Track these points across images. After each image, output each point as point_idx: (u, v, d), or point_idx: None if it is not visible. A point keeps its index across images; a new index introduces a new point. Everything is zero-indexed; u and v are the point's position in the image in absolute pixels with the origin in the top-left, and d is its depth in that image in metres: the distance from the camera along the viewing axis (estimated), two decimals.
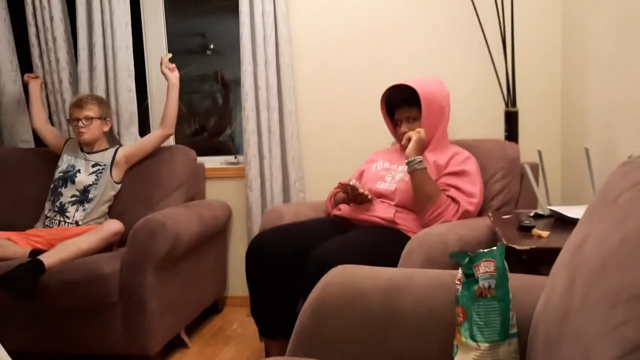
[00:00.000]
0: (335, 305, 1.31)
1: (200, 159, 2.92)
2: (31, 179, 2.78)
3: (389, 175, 2.19)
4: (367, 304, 1.28)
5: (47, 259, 2.15)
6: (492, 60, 2.40)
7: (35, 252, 2.27)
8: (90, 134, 2.60)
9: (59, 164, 2.66)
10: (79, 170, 2.60)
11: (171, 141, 3.09)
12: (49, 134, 2.78)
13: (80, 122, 2.57)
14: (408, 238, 1.89)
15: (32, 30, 2.87)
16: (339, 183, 2.32)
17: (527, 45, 2.55)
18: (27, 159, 2.85)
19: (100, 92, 2.84)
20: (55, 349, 2.25)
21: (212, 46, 3.26)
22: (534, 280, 1.20)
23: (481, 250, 1.06)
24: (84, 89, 2.85)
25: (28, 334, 2.23)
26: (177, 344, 2.44)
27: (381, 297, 1.28)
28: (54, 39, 2.85)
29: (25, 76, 2.84)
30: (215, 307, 2.87)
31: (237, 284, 2.97)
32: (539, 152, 1.80)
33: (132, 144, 2.77)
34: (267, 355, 2.11)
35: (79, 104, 2.59)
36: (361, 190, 2.07)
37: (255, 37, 2.71)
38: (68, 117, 2.65)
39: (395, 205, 2.09)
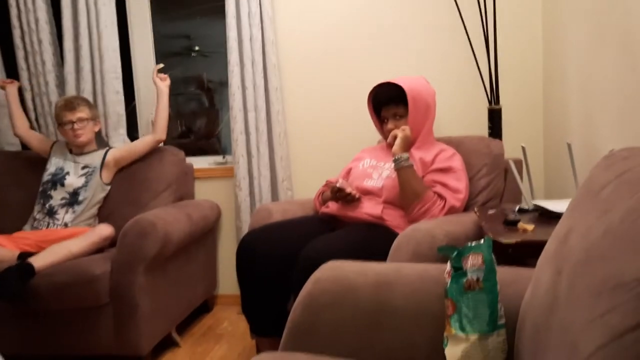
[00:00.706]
0: (326, 301, 1.33)
1: (188, 160, 2.92)
2: (18, 181, 2.77)
3: (376, 173, 2.22)
4: (358, 298, 1.31)
5: (38, 261, 2.15)
6: (475, 58, 2.45)
7: (24, 255, 2.25)
8: (86, 136, 2.60)
9: (47, 167, 2.64)
10: (68, 173, 2.59)
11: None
12: (33, 139, 2.76)
13: (74, 124, 2.56)
14: (396, 234, 1.92)
15: (16, 33, 2.86)
16: (327, 181, 2.35)
17: (509, 44, 2.60)
18: (14, 162, 2.84)
19: (88, 94, 2.83)
20: (45, 352, 2.24)
21: (197, 48, 3.26)
22: (521, 272, 1.23)
23: (469, 244, 1.09)
24: (70, 91, 2.84)
25: (18, 336, 2.23)
26: (168, 343, 2.45)
27: (371, 292, 1.30)
28: (40, 42, 2.83)
29: (0, 81, 2.79)
30: (205, 306, 2.88)
31: (227, 282, 2.99)
32: (523, 148, 1.84)
33: (122, 146, 2.76)
34: (258, 352, 2.13)
35: (70, 107, 2.57)
36: (349, 190, 2.10)
37: (241, 38, 2.72)
38: (57, 120, 2.61)
39: (383, 202, 2.12)
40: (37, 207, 2.59)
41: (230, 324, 2.72)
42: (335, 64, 2.80)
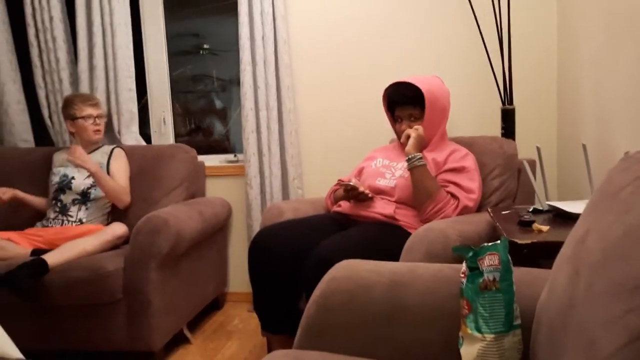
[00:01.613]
0: (340, 299, 1.34)
1: (200, 157, 2.94)
2: (31, 178, 2.79)
3: (389, 172, 2.22)
4: (372, 297, 1.31)
5: (52, 258, 2.17)
6: (488, 58, 2.44)
7: (37, 252, 2.28)
8: (102, 133, 2.65)
9: (52, 178, 2.65)
10: (73, 177, 2.60)
11: (171, 140, 3.11)
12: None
13: (96, 119, 2.59)
14: (408, 234, 1.92)
15: (31, 31, 2.89)
16: (339, 180, 2.35)
17: (523, 43, 2.58)
18: (27, 159, 2.86)
19: (101, 91, 2.86)
20: (59, 347, 2.26)
21: (206, 46, 3.28)
22: (536, 273, 1.23)
23: (485, 244, 1.09)
24: (84, 88, 2.87)
25: (31, 331, 2.25)
26: (179, 340, 2.47)
27: (386, 291, 1.31)
28: (54, 39, 2.86)
29: None
30: (216, 304, 2.89)
31: (238, 280, 3.00)
32: (538, 149, 1.83)
33: (120, 165, 2.65)
34: (269, 350, 2.14)
35: (93, 102, 2.61)
36: (361, 189, 2.10)
37: (254, 37, 2.73)
38: (76, 114, 2.58)
39: (395, 202, 2.12)
40: (50, 209, 2.60)
41: (241, 321, 2.74)
42: (348, 63, 2.80)
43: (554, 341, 0.88)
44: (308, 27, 2.82)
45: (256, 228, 2.80)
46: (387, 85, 2.27)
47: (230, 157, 3.07)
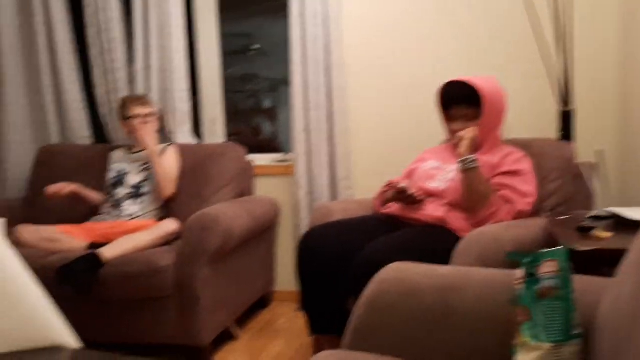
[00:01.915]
0: (390, 302, 1.32)
1: (249, 157, 2.96)
2: (88, 173, 2.87)
3: (440, 174, 2.18)
4: (422, 301, 1.29)
5: (107, 252, 2.23)
6: (544, 58, 2.36)
7: (93, 246, 2.34)
8: (151, 129, 2.66)
9: (109, 175, 2.73)
10: (128, 173, 2.68)
11: (221, 139, 3.15)
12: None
13: (142, 118, 2.65)
14: (459, 238, 1.88)
15: (92, 31, 2.97)
16: (389, 182, 2.33)
17: (583, 43, 2.49)
18: (85, 155, 2.95)
19: (156, 91, 2.92)
20: (110, 339, 2.31)
21: (256, 46, 3.31)
22: (596, 281, 1.18)
23: (543, 250, 1.06)
24: (139, 88, 2.94)
25: (84, 323, 2.29)
26: (227, 336, 2.50)
27: (436, 295, 1.28)
28: (113, 40, 2.94)
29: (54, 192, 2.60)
30: (263, 302, 2.91)
31: (285, 279, 3.01)
32: (599, 153, 1.76)
33: (170, 159, 2.73)
34: (317, 350, 2.13)
35: (141, 101, 2.68)
36: (412, 191, 2.07)
37: (305, 37, 2.74)
38: (126, 114, 2.67)
39: (446, 205, 2.08)
40: (104, 205, 2.68)
41: (287, 321, 2.75)
42: (400, 64, 2.78)
43: (618, 352, 0.84)
44: (361, 28, 2.81)
45: (304, 228, 2.80)
46: (439, 86, 2.23)
47: (279, 156, 3.09)
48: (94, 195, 2.74)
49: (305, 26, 2.73)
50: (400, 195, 2.10)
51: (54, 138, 3.10)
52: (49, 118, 3.08)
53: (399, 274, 1.38)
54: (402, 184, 2.08)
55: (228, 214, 2.35)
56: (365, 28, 2.80)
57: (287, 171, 2.96)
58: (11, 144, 3.07)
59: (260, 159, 3.08)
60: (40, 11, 2.99)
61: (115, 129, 3.05)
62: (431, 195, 2.13)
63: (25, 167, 3.07)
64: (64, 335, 1.14)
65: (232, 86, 3.27)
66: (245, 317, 2.74)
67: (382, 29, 2.78)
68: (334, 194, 2.85)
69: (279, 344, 2.47)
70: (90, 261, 2.18)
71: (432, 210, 2.07)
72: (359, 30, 2.81)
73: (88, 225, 2.57)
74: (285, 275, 3.00)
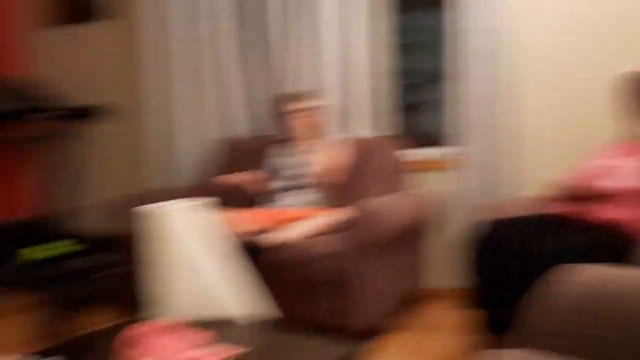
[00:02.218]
0: (566, 304, 1.29)
1: (408, 151, 2.97)
2: (248, 166, 2.96)
3: (618, 173, 2.05)
4: (599, 305, 1.24)
5: (273, 238, 2.38)
6: None
7: (262, 231, 2.48)
8: (312, 123, 2.79)
9: (267, 166, 2.87)
10: (286, 166, 2.81)
11: (385, 132, 3.13)
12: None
13: (303, 112, 2.79)
14: (636, 240, 1.77)
15: (274, 29, 3.06)
16: (563, 180, 2.23)
17: None
18: (244, 147, 3.11)
19: (331, 86, 2.97)
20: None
21: (420, 38, 3.29)
22: None
23: None
24: (313, 83, 3.00)
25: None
26: (382, 328, 2.53)
27: (616, 300, 1.23)
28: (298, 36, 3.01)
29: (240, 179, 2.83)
30: (418, 297, 2.93)
31: (440, 276, 2.99)
32: None
33: (334, 148, 2.84)
34: (485, 348, 2.10)
35: (300, 98, 2.81)
36: (588, 191, 1.98)
37: (473, 28, 2.71)
38: (284, 109, 2.80)
39: (624, 205, 1.96)
40: (269, 195, 2.82)
41: (442, 318, 2.74)
42: (575, 57, 2.65)
43: None
44: (534, 19, 2.72)
45: (464, 224, 2.77)
46: (618, 80, 2.07)
47: (441, 151, 3.07)
48: (259, 186, 2.89)
49: (474, 18, 2.70)
50: (577, 194, 2.02)
51: (218, 132, 3.23)
52: (211, 111, 3.22)
53: (575, 275, 1.33)
54: (578, 183, 2.00)
55: (390, 206, 2.41)
56: (538, 19, 2.70)
57: (451, 165, 2.93)
58: (182, 137, 3.28)
59: (422, 153, 3.08)
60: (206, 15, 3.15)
61: (275, 124, 3.09)
62: (608, 195, 2.02)
63: (193, 157, 3.27)
64: (262, 306, 1.28)
65: (397, 79, 3.28)
66: (401, 311, 2.77)
67: (559, 22, 2.66)
68: (499, 191, 2.78)
69: (434, 340, 2.46)
70: (255, 246, 2.35)
71: (609, 211, 1.98)
72: (533, 22, 2.71)
73: (255, 212, 2.71)
74: (441, 272, 2.98)
